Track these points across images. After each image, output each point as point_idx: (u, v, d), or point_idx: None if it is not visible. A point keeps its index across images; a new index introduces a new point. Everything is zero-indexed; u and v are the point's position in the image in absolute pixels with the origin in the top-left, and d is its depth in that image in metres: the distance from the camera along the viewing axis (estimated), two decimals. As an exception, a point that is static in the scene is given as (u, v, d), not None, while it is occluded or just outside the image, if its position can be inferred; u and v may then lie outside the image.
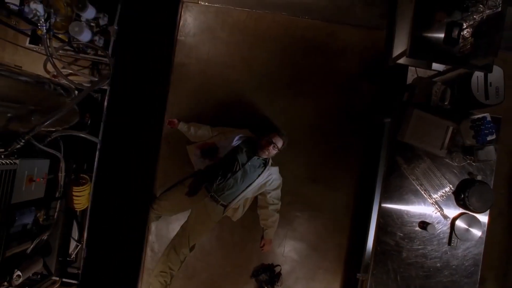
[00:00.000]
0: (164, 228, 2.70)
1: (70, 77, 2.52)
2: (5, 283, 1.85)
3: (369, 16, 2.74)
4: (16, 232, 1.89)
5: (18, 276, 1.88)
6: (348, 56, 2.74)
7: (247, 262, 2.65)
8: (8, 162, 1.71)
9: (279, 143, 2.38)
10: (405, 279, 2.03)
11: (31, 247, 2.03)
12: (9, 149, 1.74)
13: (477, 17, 1.94)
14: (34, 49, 2.57)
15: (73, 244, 2.48)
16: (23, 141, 1.77)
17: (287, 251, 2.67)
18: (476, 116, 1.98)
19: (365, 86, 2.72)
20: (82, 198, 2.40)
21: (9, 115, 1.77)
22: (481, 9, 1.94)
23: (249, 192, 2.41)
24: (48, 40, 2.19)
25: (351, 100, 2.72)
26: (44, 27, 2.12)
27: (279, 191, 2.51)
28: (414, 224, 2.01)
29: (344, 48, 2.75)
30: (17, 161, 1.76)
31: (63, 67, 2.62)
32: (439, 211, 2.01)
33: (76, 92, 2.41)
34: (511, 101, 2.67)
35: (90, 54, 2.57)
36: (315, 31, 2.74)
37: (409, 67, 2.65)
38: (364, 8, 2.75)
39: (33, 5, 2.01)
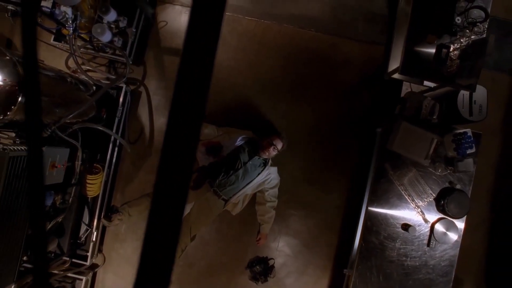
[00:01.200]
0: (168, 218, 2.89)
1: (89, 73, 2.72)
2: (25, 257, 2.05)
3: (370, 32, 2.95)
4: (37, 213, 2.09)
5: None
6: (348, 67, 2.94)
7: (243, 254, 2.85)
8: (36, 149, 1.91)
9: (279, 145, 2.57)
10: (386, 275, 2.23)
11: (48, 227, 2.23)
12: (37, 137, 1.94)
13: (463, 41, 2.14)
14: (57, 45, 2.77)
15: (83, 228, 2.68)
16: (49, 130, 1.98)
17: (281, 246, 2.87)
18: (458, 131, 2.18)
19: (362, 97, 2.91)
20: (94, 186, 2.60)
21: (38, 107, 1.97)
22: (468, 34, 2.14)
23: (249, 189, 2.61)
24: (73, 39, 2.39)
25: (348, 108, 2.92)
26: (71, 28, 2.33)
27: (276, 189, 2.70)
28: (397, 225, 2.21)
29: (345, 60, 2.94)
30: (43, 149, 1.96)
31: (83, 63, 2.82)
32: (420, 215, 2.21)
33: (94, 87, 2.62)
34: (495, 118, 2.89)
35: (109, 53, 2.77)
36: (318, 42, 2.94)
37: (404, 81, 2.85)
38: (365, 24, 2.96)
39: (63, 8, 2.22)
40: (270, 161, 2.64)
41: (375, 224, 2.23)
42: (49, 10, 2.18)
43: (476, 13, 2.16)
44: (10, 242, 1.81)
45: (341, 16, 2.96)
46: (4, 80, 1.69)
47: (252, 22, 2.94)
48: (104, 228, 2.81)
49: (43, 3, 2.16)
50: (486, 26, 2.15)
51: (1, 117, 1.72)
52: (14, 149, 1.73)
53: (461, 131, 2.17)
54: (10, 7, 2.07)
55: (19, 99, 1.72)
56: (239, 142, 2.66)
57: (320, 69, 2.94)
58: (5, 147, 1.70)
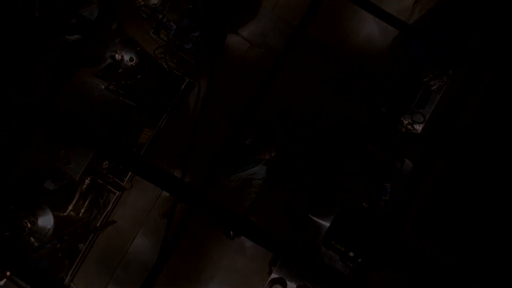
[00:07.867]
0: (182, 175, 4.12)
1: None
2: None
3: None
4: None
5: (106, 163, 3.32)
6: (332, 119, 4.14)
7: (224, 216, 4.05)
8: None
9: (273, 154, 3.77)
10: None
11: (114, 151, 3.47)
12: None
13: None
14: (152, 36, 4.01)
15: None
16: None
17: (250, 220, 4.07)
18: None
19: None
20: (146, 136, 3.84)
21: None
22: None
23: (243, 174, 3.80)
24: (170, 41, 3.64)
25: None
26: (171, 35, 3.58)
27: (261, 181, 3.88)
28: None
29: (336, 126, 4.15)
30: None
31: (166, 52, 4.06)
32: (342, 227, 3.41)
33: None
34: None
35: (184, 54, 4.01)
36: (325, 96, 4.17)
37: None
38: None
39: (172, 26, 3.48)
40: (263, 161, 3.84)
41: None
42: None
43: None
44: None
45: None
46: (132, 60, 2.94)
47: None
48: (139, 166, 4.03)
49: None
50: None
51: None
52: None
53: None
54: (144, 15, 3.33)
55: (136, 74, 2.97)
56: (248, 141, 3.88)
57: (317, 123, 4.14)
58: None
